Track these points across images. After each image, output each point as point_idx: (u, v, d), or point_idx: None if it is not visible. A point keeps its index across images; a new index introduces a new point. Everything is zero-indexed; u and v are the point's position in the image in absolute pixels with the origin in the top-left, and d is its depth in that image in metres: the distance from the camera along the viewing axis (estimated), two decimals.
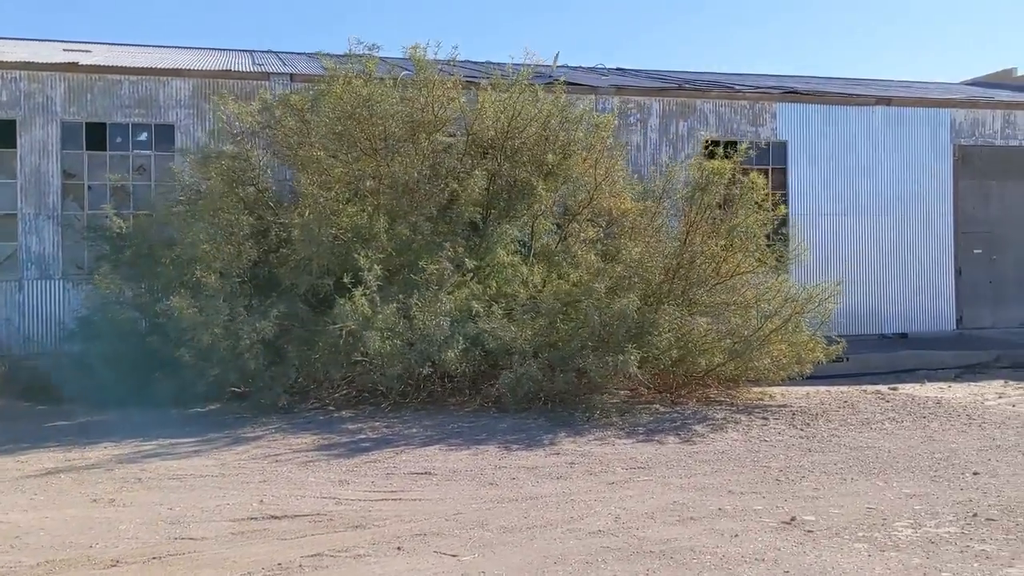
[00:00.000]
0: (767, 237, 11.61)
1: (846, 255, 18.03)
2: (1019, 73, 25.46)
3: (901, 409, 10.28)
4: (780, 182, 17.78)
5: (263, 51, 19.19)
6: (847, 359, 15.24)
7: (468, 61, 14.55)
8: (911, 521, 5.66)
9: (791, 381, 13.13)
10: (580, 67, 21.07)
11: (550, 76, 17.91)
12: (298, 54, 18.79)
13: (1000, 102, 19.03)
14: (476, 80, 12.21)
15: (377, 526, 5.35)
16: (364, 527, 5.32)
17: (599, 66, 21.81)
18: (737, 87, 18.14)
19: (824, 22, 65.02)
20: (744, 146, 11.53)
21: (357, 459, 7.30)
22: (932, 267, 18.43)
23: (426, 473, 6.76)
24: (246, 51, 18.96)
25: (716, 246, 10.61)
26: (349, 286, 9.13)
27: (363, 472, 6.79)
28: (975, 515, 5.77)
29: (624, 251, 11.04)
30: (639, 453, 7.78)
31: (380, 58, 11.40)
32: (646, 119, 17.09)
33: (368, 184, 10.21)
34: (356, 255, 9.41)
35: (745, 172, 11.38)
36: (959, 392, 12.28)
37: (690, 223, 10.66)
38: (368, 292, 9.33)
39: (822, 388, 12.35)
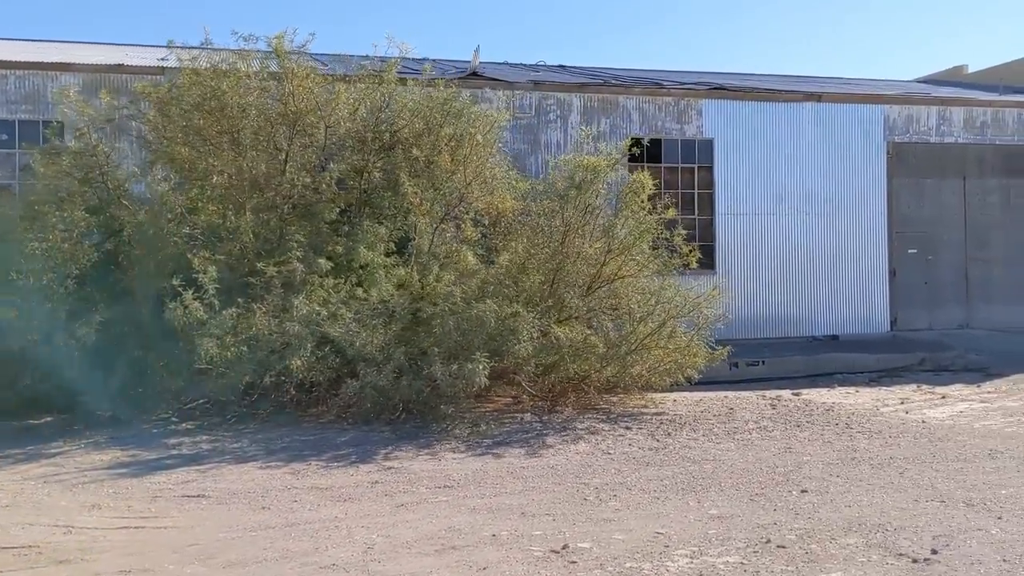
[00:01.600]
0: (666, 240, 11.08)
1: (776, 256, 17.55)
2: (969, 71, 25.08)
3: (782, 417, 9.78)
4: (707, 181, 17.30)
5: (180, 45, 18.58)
6: (763, 363, 14.83)
7: (348, 54, 13.71)
8: (695, 549, 5.15)
9: (694, 386, 12.68)
10: (521, 64, 20.56)
11: (462, 69, 17.41)
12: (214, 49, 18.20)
13: (936, 98, 18.58)
14: (350, 75, 11.69)
15: (87, 561, 4.82)
16: (72, 562, 4.78)
17: (540, 63, 21.30)
18: (663, 83, 17.64)
19: (778, 22, 64.71)
20: (627, 143, 11.02)
21: (143, 479, 6.76)
22: (865, 268, 17.97)
23: (199, 496, 6.23)
24: (154, 46, 18.35)
25: (592, 248, 10.09)
26: (179, 289, 8.59)
27: (129, 494, 6.26)
28: (768, 541, 5.26)
29: (504, 253, 10.57)
30: (463, 469, 7.26)
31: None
32: (566, 116, 16.59)
33: (215, 180, 9.67)
34: (191, 255, 8.87)
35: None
36: (862, 398, 11.79)
37: (566, 224, 10.13)
38: (205, 295, 8.79)
39: (719, 394, 11.85)
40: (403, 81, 10.84)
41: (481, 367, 8.42)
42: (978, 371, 14.24)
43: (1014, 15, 58.01)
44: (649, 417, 9.61)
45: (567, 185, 10.14)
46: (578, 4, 62.78)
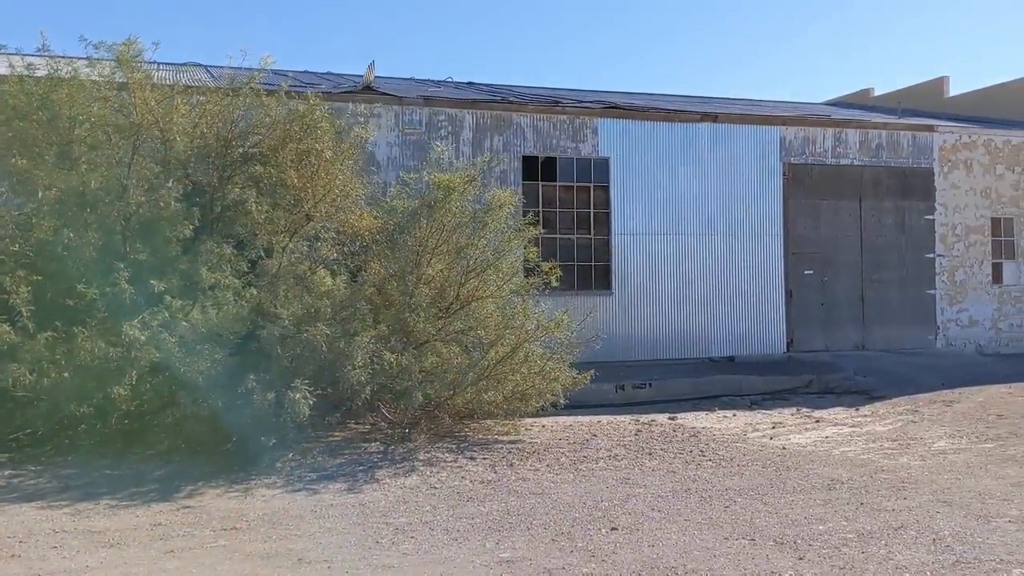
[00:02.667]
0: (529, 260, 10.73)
1: (673, 276, 17.40)
2: (876, 93, 25.47)
3: (640, 444, 9.47)
4: (603, 200, 17.11)
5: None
6: (649, 385, 14.59)
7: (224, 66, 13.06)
8: None
9: (574, 410, 12.37)
10: (429, 80, 20.19)
11: (354, 84, 16.96)
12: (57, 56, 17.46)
13: (832, 120, 18.70)
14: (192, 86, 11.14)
15: None
16: None
17: (448, 79, 20.98)
18: (558, 101, 17.43)
19: (688, 43, 65.79)
20: (485, 159, 10.67)
21: None
22: (762, 289, 17.92)
23: None
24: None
25: (439, 269, 9.69)
26: None
27: None
28: None
29: (366, 272, 10.13)
30: (266, 507, 6.75)
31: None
32: (458, 132, 16.25)
33: (41, 195, 9.05)
34: (3, 275, 8.25)
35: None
36: (736, 422, 11.59)
37: (420, 244, 9.72)
38: (19, 318, 8.18)
39: (594, 419, 11.55)
40: (270, 95, 10.31)
41: (300, 396, 7.92)
42: (862, 393, 14.21)
43: (919, 38, 59.79)
44: (501, 446, 9.21)
45: (419, 204, 9.74)
46: (519, 21, 62.91)
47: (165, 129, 9.39)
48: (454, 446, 9.12)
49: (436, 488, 7.39)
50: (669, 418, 11.92)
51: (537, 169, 16.74)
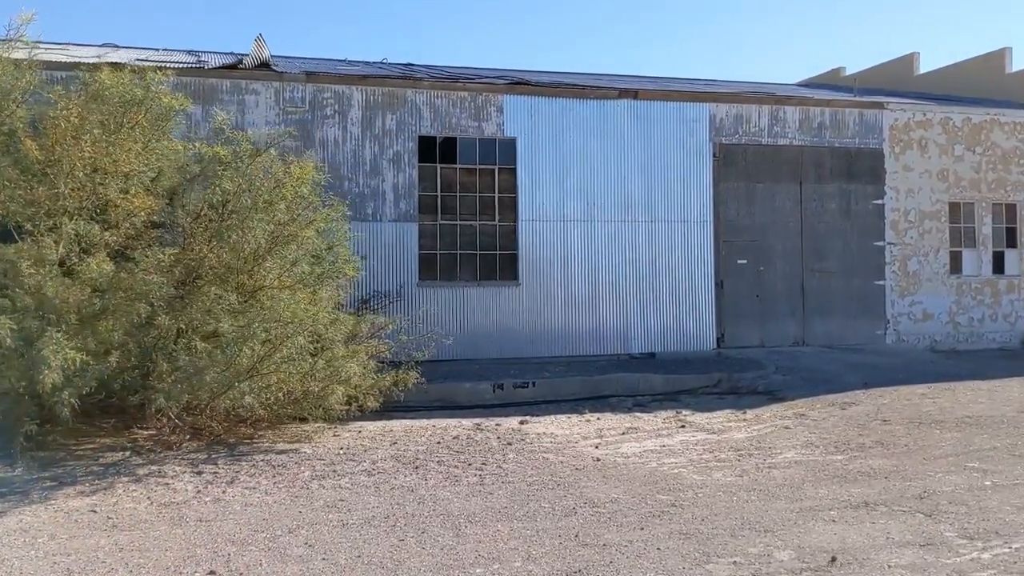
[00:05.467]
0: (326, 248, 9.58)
1: (587, 266, 16.11)
2: (847, 73, 23.88)
3: (435, 454, 8.28)
4: (509, 183, 15.88)
5: None
6: (533, 385, 13.34)
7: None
8: None
9: (430, 411, 11.30)
10: (363, 61, 19.10)
11: (195, 61, 15.87)
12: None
13: (768, 97, 17.23)
14: None
15: None
16: None
17: (383, 60, 19.89)
18: (458, 78, 16.22)
19: (658, 23, 63.79)
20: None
21: None
22: (689, 280, 16.55)
23: None
24: None
25: (218, 254, 8.54)
26: None
27: None
28: None
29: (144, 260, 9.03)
30: None
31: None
32: (346, 111, 15.13)
33: None
34: None
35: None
36: (589, 427, 10.35)
37: (186, 227, 8.61)
38: None
39: (426, 423, 10.38)
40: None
41: None
42: (766, 394, 12.85)
43: (893, 17, 57.41)
44: (258, 457, 8.08)
45: (179, 179, 8.62)
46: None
47: None
48: (205, 456, 8.01)
49: (96, 512, 6.28)
50: (520, 422, 10.71)
51: (435, 150, 15.56)
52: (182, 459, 7.86)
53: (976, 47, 53.57)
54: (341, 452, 8.35)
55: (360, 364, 8.89)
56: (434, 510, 6.26)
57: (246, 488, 6.93)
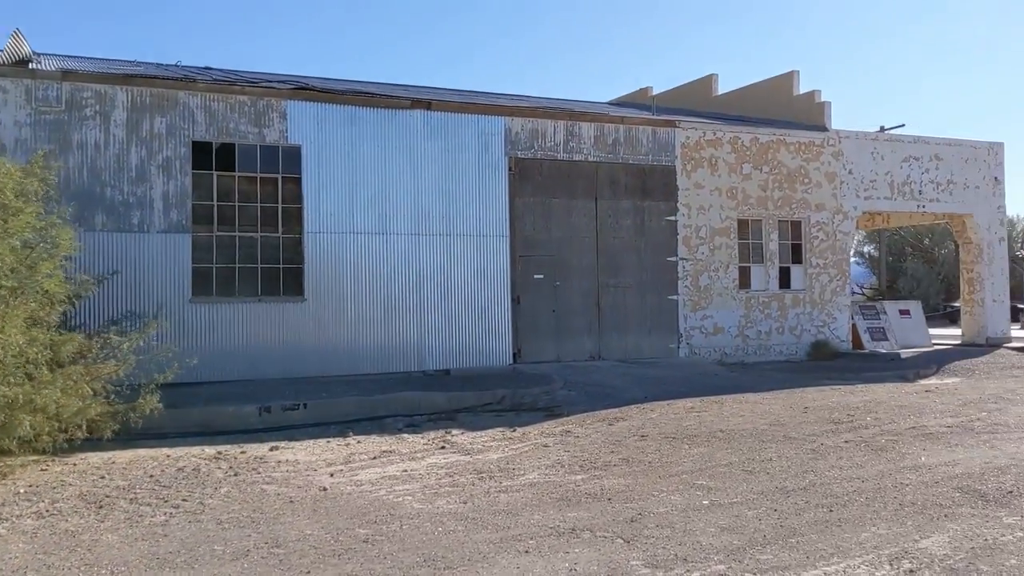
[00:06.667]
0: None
1: (379, 281, 15.51)
2: (654, 93, 24.42)
3: (135, 490, 7.42)
4: (294, 193, 15.07)
5: None
6: (304, 406, 12.57)
7: None
8: None
9: (191, 438, 10.36)
10: (156, 63, 17.69)
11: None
12: None
13: (563, 112, 17.25)
14: None
15: None
16: None
17: (177, 63, 18.53)
18: (236, 80, 15.32)
19: (467, 39, 65.41)
20: None
21: None
22: (485, 295, 16.24)
23: None
24: None
25: None
26: None
27: None
28: None
29: None
30: None
31: None
32: (108, 112, 13.91)
33: None
34: None
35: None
36: (341, 452, 9.73)
37: None
38: None
39: (158, 452, 9.44)
40: None
41: None
42: (545, 410, 12.62)
43: (697, 37, 60.95)
44: None
45: None
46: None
47: None
48: None
49: None
50: (270, 448, 9.96)
51: (211, 157, 14.58)
52: None
53: (772, 69, 57.12)
54: (26, 490, 7.36)
55: (74, 391, 7.90)
56: (82, 559, 5.46)
57: None
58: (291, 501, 7.16)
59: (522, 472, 8.34)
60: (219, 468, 8.59)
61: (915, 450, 8.73)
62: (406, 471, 8.52)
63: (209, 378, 14.25)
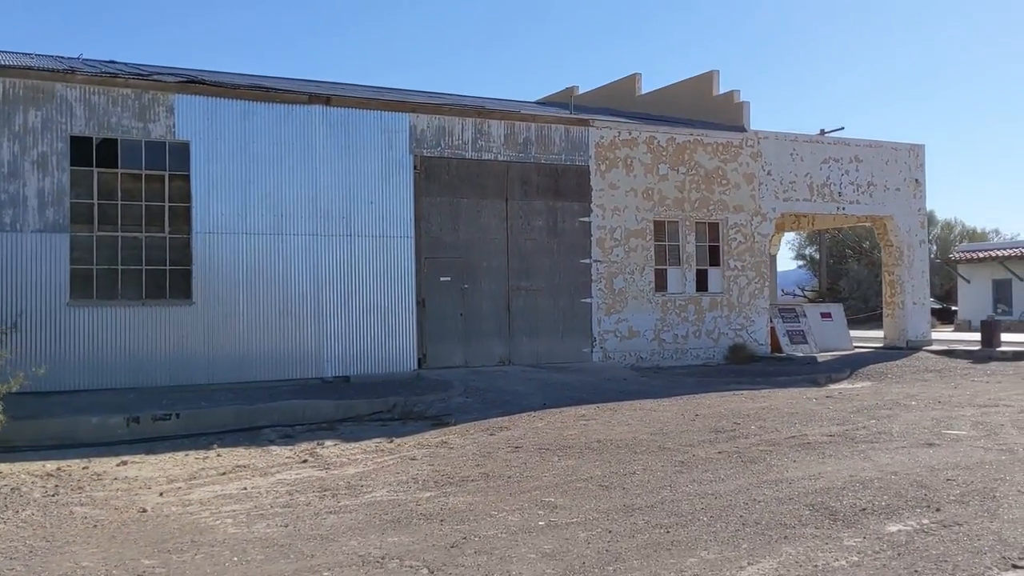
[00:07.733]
0: None
1: (274, 283, 14.87)
2: (580, 92, 24.07)
3: None
4: (182, 192, 14.37)
5: None
6: (177, 416, 11.88)
7: None
8: None
9: (45, 451, 9.66)
10: (59, 56, 16.82)
11: None
12: None
13: (471, 109, 16.74)
14: None
15: None
16: None
17: (79, 56, 17.68)
18: (119, 73, 14.59)
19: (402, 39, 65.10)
20: None
21: None
22: (388, 298, 15.67)
23: None
24: None
25: None
26: None
27: None
28: None
29: None
30: None
31: None
32: None
33: None
34: None
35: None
36: (192, 467, 9.13)
37: None
38: None
39: (11, 467, 8.75)
40: None
41: None
42: (433, 419, 12.09)
43: (620, 38, 61.24)
44: None
45: None
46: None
47: None
48: None
49: None
50: (119, 463, 9.33)
51: (92, 153, 13.84)
52: None
53: (696, 68, 57.36)
54: None
55: None
56: None
57: None
58: (95, 526, 6.55)
59: (370, 489, 7.81)
60: (43, 487, 7.94)
61: (785, 462, 8.36)
62: (245, 489, 7.94)
63: (88, 386, 13.55)
